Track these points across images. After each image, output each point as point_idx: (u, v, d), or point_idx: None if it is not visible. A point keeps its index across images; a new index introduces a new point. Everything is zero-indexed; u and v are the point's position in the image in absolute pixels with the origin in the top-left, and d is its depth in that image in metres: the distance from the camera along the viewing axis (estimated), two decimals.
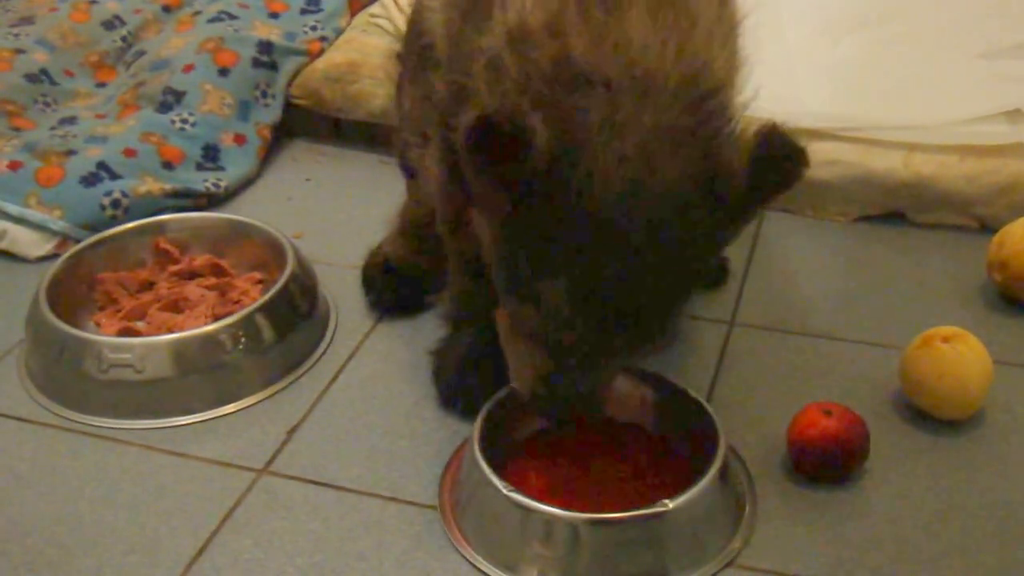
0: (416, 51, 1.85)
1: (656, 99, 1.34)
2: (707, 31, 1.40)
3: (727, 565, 1.58)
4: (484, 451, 1.62)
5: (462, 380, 1.85)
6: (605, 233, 1.33)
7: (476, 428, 1.66)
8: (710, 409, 1.69)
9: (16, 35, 2.87)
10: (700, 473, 1.58)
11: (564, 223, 1.34)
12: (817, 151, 2.30)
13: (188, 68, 2.68)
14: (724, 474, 1.61)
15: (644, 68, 1.34)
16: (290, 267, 2.03)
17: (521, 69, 1.39)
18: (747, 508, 1.66)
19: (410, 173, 2.02)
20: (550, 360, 1.47)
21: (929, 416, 1.80)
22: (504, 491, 1.55)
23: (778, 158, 1.34)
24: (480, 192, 1.39)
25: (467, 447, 1.65)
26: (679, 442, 1.72)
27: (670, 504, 1.53)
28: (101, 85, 2.86)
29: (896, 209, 2.35)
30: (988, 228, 2.23)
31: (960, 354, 1.77)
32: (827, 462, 1.68)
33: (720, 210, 1.37)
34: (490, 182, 1.35)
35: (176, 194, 2.44)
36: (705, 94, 1.37)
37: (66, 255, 2.12)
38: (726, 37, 1.48)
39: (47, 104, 2.73)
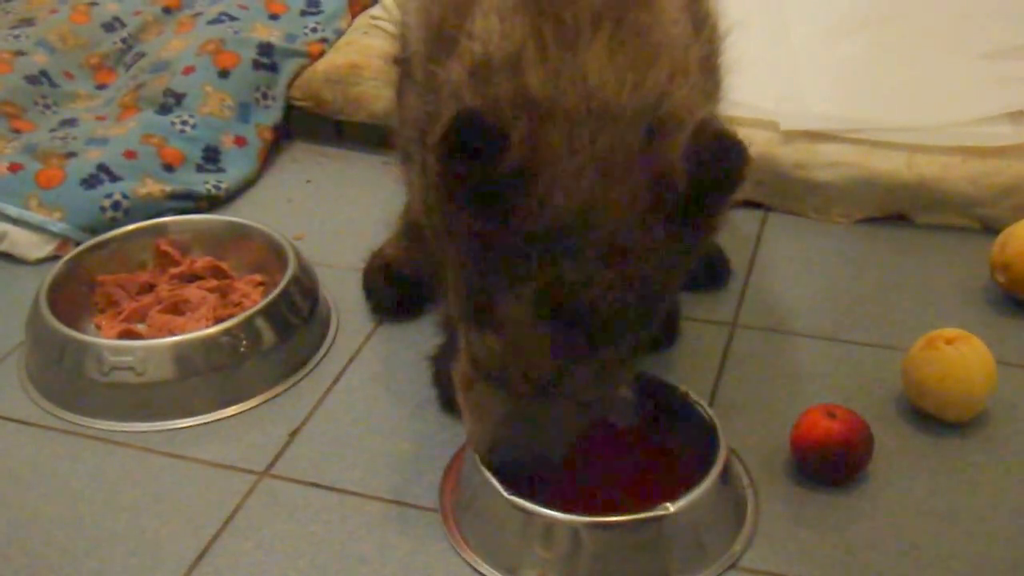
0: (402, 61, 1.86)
1: (612, 126, 1.34)
2: (670, 63, 1.40)
3: (729, 568, 1.58)
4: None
5: None
6: (567, 242, 1.33)
7: None
8: (711, 412, 1.68)
9: (16, 37, 2.87)
10: (701, 475, 1.58)
11: (527, 232, 1.34)
12: (820, 153, 2.32)
13: (188, 70, 2.67)
14: (725, 477, 1.60)
15: (601, 100, 1.35)
16: (291, 270, 2.02)
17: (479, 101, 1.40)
18: (749, 510, 1.65)
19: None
20: (511, 400, 1.45)
21: (932, 418, 1.80)
22: (505, 495, 1.55)
23: (711, 160, 1.33)
24: (448, 197, 1.39)
25: (467, 450, 1.65)
26: (680, 445, 1.71)
27: (671, 507, 1.52)
28: (101, 87, 2.86)
29: (899, 210, 2.34)
30: (991, 229, 2.22)
31: (963, 356, 1.76)
32: (830, 464, 1.68)
33: (671, 222, 1.36)
34: (461, 184, 1.34)
35: (177, 196, 2.44)
36: (662, 119, 1.36)
37: (66, 257, 2.12)
38: (701, 64, 1.48)
39: (47, 106, 2.73)
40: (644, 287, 1.39)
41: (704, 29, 1.54)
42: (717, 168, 1.33)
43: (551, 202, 1.32)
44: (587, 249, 1.33)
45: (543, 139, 1.33)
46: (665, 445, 1.73)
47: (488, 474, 1.57)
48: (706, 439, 1.65)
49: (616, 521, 1.54)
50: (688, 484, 1.56)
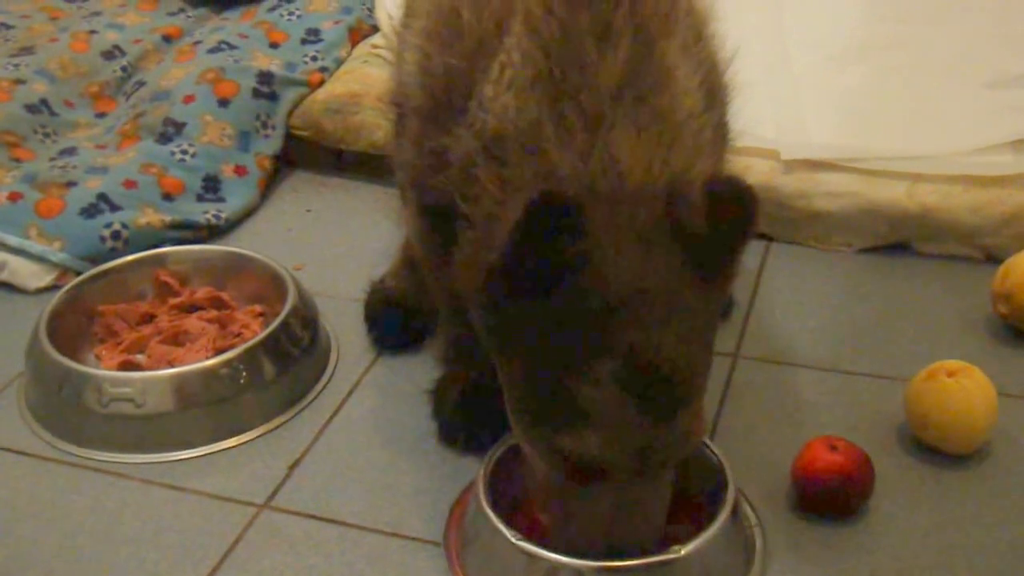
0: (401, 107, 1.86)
1: (646, 203, 1.35)
2: (692, 139, 1.42)
3: None
4: (490, 495, 1.60)
5: (462, 416, 1.85)
6: (629, 312, 1.33)
7: (482, 474, 1.63)
8: (717, 451, 1.67)
9: (16, 65, 2.88)
10: (708, 512, 1.57)
11: (593, 309, 1.33)
12: (821, 182, 2.32)
13: (188, 99, 2.68)
14: (735, 518, 1.59)
15: (634, 181, 1.36)
16: (291, 301, 2.02)
17: (498, 183, 1.41)
18: (757, 550, 1.64)
19: None
20: (612, 491, 1.42)
21: (934, 450, 1.79)
22: (512, 540, 1.53)
23: (726, 207, 1.34)
24: (512, 290, 1.37)
25: (474, 489, 1.64)
26: (686, 481, 1.70)
27: (681, 551, 1.50)
28: (101, 116, 2.86)
29: (900, 240, 2.34)
30: (994, 259, 2.22)
31: (965, 388, 1.76)
32: (832, 497, 1.67)
33: (704, 274, 1.37)
34: (535, 268, 1.33)
35: (176, 226, 2.44)
36: (684, 187, 1.37)
37: (66, 287, 2.11)
38: (713, 130, 1.50)
39: (47, 135, 2.73)
40: (701, 338, 1.40)
41: (717, 100, 1.55)
42: (733, 214, 1.34)
43: (606, 278, 1.32)
44: (648, 315, 1.33)
45: (592, 220, 1.33)
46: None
47: (495, 518, 1.55)
48: (712, 477, 1.64)
49: (624, 566, 1.49)
50: (695, 523, 1.55)
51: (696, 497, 1.66)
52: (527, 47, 1.43)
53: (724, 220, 1.34)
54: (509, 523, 1.56)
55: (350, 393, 2.00)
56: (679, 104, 1.43)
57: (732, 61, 1.61)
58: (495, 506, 1.58)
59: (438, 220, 1.57)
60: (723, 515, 1.56)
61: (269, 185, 2.67)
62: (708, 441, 1.68)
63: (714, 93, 1.54)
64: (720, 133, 1.58)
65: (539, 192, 1.29)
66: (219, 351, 1.99)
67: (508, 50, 1.45)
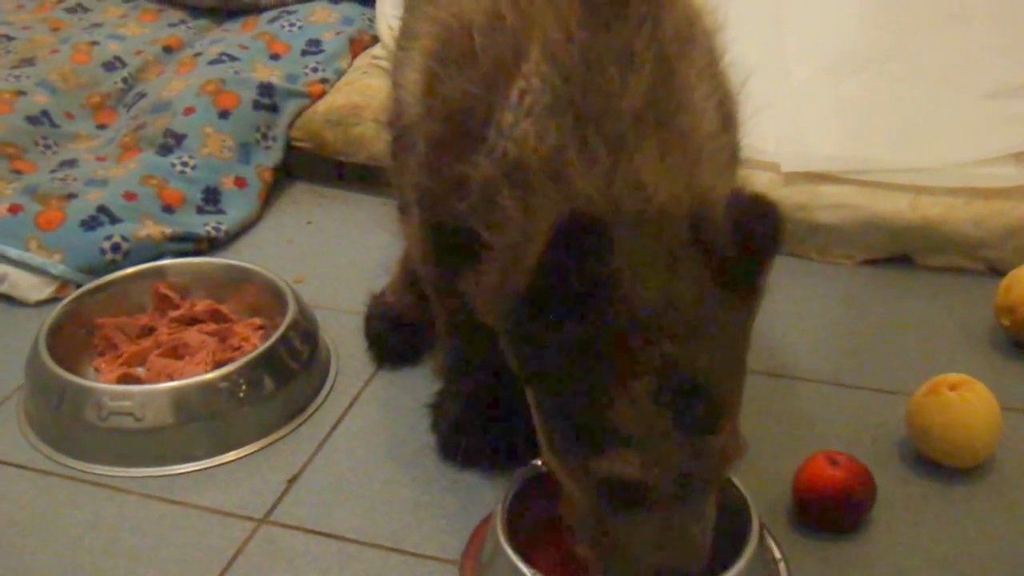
0: (400, 128, 1.85)
1: (671, 224, 1.34)
2: (711, 161, 1.42)
3: None
4: (508, 532, 1.56)
5: (461, 431, 1.84)
6: (661, 328, 1.32)
7: (500, 509, 1.59)
8: (739, 483, 1.62)
9: (17, 77, 2.88)
10: (734, 548, 1.53)
11: (627, 325, 1.32)
12: (823, 195, 2.32)
13: (188, 111, 2.68)
14: (760, 552, 1.56)
15: (658, 203, 1.35)
16: (290, 314, 2.02)
17: (522, 210, 1.40)
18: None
19: None
20: (657, 515, 1.39)
21: (937, 464, 1.79)
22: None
23: (754, 224, 1.34)
24: (540, 311, 1.35)
25: (492, 521, 1.61)
26: None
27: None
28: (102, 127, 2.86)
29: (902, 252, 2.34)
30: (996, 271, 2.22)
31: (967, 402, 1.75)
32: (833, 512, 1.67)
33: (733, 290, 1.36)
34: (565, 286, 1.31)
35: (177, 238, 2.44)
36: (707, 208, 1.36)
37: (66, 300, 2.11)
38: (729, 152, 1.50)
39: (48, 147, 2.73)
40: (733, 355, 1.39)
41: (731, 121, 1.55)
42: (760, 231, 1.34)
43: (636, 297, 1.31)
44: (679, 332, 1.32)
45: (619, 241, 1.32)
46: None
47: (514, 556, 1.52)
48: (735, 509, 1.60)
49: None
50: (717, 552, 1.53)
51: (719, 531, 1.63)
52: (545, 73, 1.42)
53: (751, 237, 1.34)
54: (528, 558, 1.52)
55: (349, 407, 1.99)
56: (698, 126, 1.43)
57: (745, 83, 1.61)
58: (512, 537, 1.55)
59: (449, 243, 1.57)
60: (749, 551, 1.52)
61: (269, 197, 2.67)
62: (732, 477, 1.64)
63: (729, 115, 1.54)
64: (734, 154, 1.58)
65: (567, 212, 1.29)
66: (219, 364, 1.99)
67: (526, 76, 1.44)
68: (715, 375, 1.34)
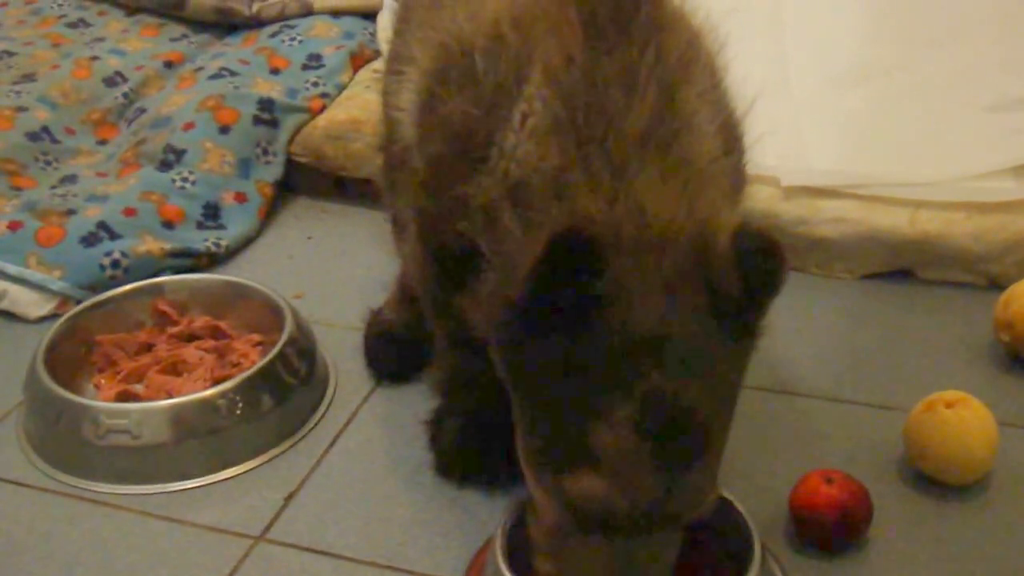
0: (394, 151, 1.86)
1: (673, 250, 1.33)
2: (714, 186, 1.41)
3: None
4: (508, 558, 1.54)
5: (460, 448, 1.84)
6: (653, 356, 1.30)
7: (499, 534, 1.57)
8: (740, 506, 1.61)
9: (18, 93, 2.88)
10: (730, 563, 1.54)
11: (616, 348, 1.31)
12: (823, 209, 2.31)
13: (188, 126, 2.68)
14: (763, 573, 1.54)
15: (659, 228, 1.33)
16: (288, 331, 2.02)
17: (522, 226, 1.40)
18: None
19: None
20: (614, 544, 1.38)
21: (934, 481, 1.78)
22: None
23: (759, 263, 1.33)
24: (529, 326, 1.35)
25: (491, 545, 1.59)
26: (701, 531, 1.65)
27: None
28: (102, 143, 2.86)
29: (902, 267, 2.34)
30: (996, 285, 2.22)
31: (963, 419, 1.75)
32: (828, 531, 1.66)
33: (733, 326, 1.35)
34: (555, 303, 1.31)
35: (176, 254, 2.44)
36: (709, 235, 1.35)
37: (64, 317, 2.12)
38: (731, 177, 1.50)
39: (48, 163, 2.73)
40: (723, 392, 1.38)
41: (733, 144, 1.54)
42: (764, 270, 1.33)
43: (629, 321, 1.30)
44: (670, 361, 1.31)
45: (617, 265, 1.31)
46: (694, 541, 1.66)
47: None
48: (735, 533, 1.59)
49: None
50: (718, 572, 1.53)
51: (716, 557, 1.62)
52: (547, 95, 1.42)
53: (754, 277, 1.33)
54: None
55: (347, 424, 1.99)
56: (701, 150, 1.42)
57: (749, 106, 1.61)
58: (513, 564, 1.53)
59: (450, 263, 1.56)
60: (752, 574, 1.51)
61: (270, 212, 2.67)
62: (732, 499, 1.63)
63: (732, 137, 1.54)
64: (738, 177, 1.57)
65: (564, 225, 1.28)
66: (217, 381, 1.99)
67: (528, 99, 1.44)
68: (702, 411, 1.32)
